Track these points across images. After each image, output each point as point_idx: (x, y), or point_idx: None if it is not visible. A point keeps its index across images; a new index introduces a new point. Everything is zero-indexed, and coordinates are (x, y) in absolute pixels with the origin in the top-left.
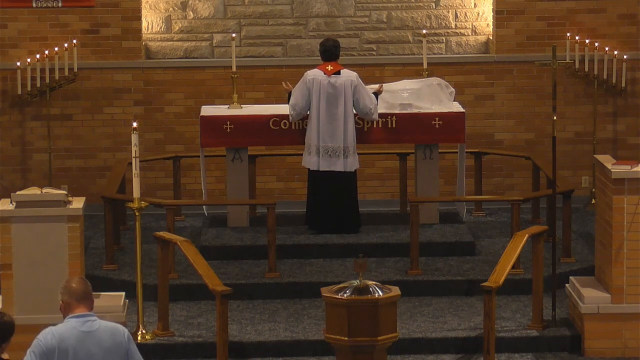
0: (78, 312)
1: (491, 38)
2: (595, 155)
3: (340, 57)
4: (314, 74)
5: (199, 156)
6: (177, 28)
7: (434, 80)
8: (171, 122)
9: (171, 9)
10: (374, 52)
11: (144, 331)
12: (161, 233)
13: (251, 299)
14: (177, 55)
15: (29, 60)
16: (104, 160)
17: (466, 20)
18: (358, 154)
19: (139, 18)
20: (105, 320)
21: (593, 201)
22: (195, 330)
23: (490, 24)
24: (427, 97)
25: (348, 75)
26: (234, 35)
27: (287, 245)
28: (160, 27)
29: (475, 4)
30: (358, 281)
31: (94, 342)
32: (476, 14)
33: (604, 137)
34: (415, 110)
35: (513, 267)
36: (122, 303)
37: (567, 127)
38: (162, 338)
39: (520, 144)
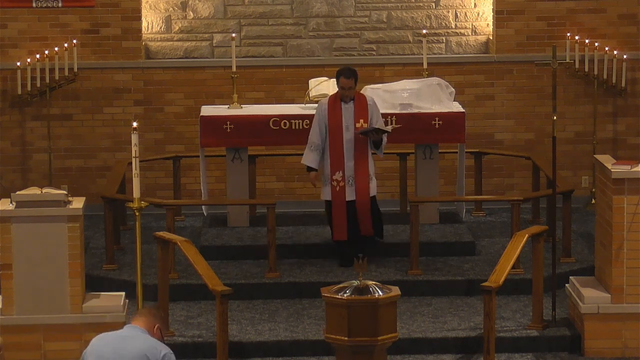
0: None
1: (491, 38)
2: (595, 155)
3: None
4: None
5: (199, 156)
6: (177, 28)
7: (434, 80)
8: (171, 122)
9: (171, 9)
10: (374, 52)
11: None
12: (161, 233)
13: (251, 299)
14: (177, 55)
15: (29, 60)
16: (104, 160)
17: (466, 20)
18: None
19: (139, 18)
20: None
21: (593, 201)
22: (195, 330)
23: (490, 24)
24: (427, 97)
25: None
26: (234, 35)
27: (287, 245)
28: (160, 27)
29: (475, 4)
30: (358, 281)
31: (121, 345)
32: (476, 14)
33: (604, 137)
34: (415, 110)
35: (513, 267)
36: (122, 303)
37: (567, 127)
38: None
39: (520, 144)
